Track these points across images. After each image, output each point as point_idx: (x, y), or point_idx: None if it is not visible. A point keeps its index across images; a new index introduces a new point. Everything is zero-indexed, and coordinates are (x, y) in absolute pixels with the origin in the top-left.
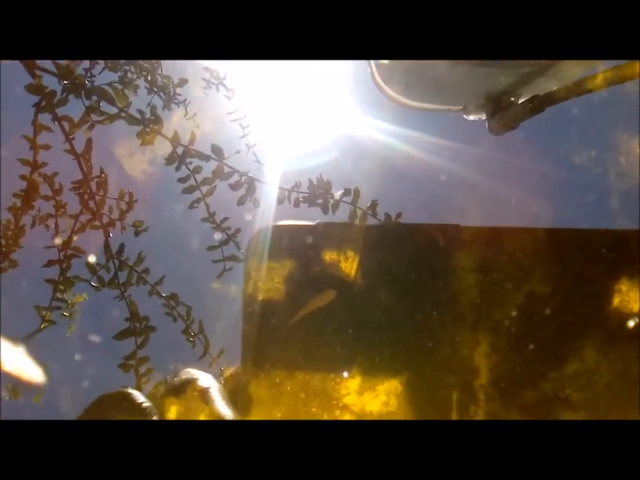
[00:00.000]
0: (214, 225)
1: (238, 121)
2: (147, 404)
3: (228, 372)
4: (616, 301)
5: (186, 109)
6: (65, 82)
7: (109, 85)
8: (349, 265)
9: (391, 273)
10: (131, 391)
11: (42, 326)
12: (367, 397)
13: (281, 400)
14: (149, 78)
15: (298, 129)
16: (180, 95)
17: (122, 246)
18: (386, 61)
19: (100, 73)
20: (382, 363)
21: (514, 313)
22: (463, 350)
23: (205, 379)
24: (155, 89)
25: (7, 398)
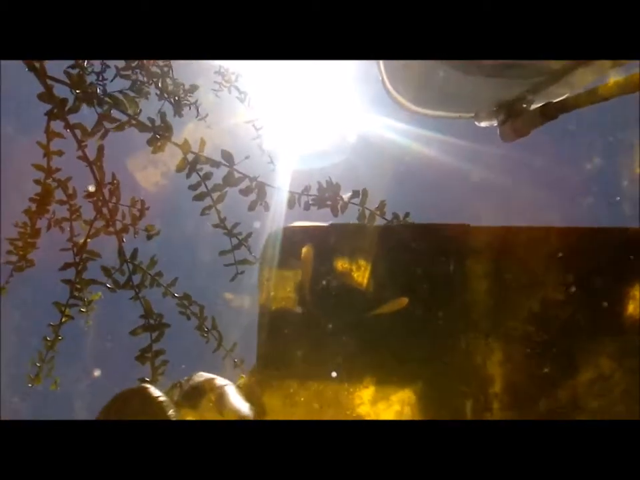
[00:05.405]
0: (225, 231)
1: (251, 123)
2: (163, 398)
3: (241, 381)
4: (631, 307)
5: (197, 111)
6: (77, 91)
7: (121, 92)
8: (362, 273)
9: (404, 278)
10: (148, 386)
11: (62, 320)
12: (380, 406)
13: (295, 410)
14: (159, 85)
15: (310, 129)
16: (190, 97)
17: (135, 251)
18: (397, 70)
19: (112, 80)
20: (395, 372)
21: (525, 315)
22: (476, 358)
23: (219, 382)
24: (166, 95)
25: (30, 385)
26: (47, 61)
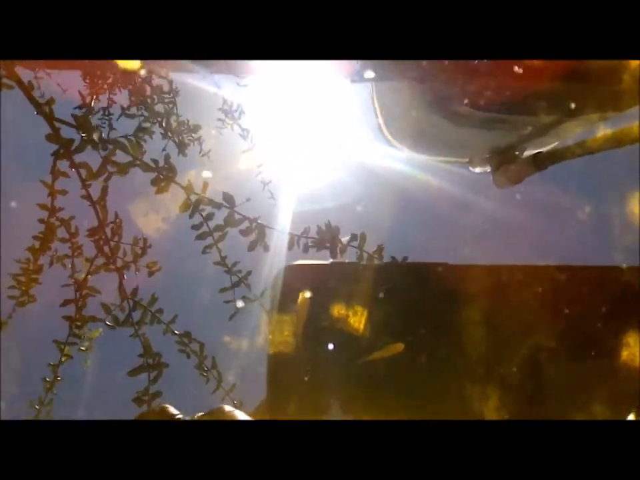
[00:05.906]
0: (225, 269)
1: (253, 161)
2: (181, 416)
3: None
4: (624, 354)
5: (201, 147)
6: (83, 134)
7: (125, 137)
8: (358, 318)
9: (400, 322)
10: (167, 405)
11: (62, 359)
12: None
13: None
14: (164, 124)
15: (311, 163)
16: (193, 135)
17: (136, 288)
18: (393, 120)
19: (117, 120)
20: (391, 417)
21: (520, 361)
22: (472, 404)
23: (228, 409)
24: (170, 135)
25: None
26: (55, 104)
